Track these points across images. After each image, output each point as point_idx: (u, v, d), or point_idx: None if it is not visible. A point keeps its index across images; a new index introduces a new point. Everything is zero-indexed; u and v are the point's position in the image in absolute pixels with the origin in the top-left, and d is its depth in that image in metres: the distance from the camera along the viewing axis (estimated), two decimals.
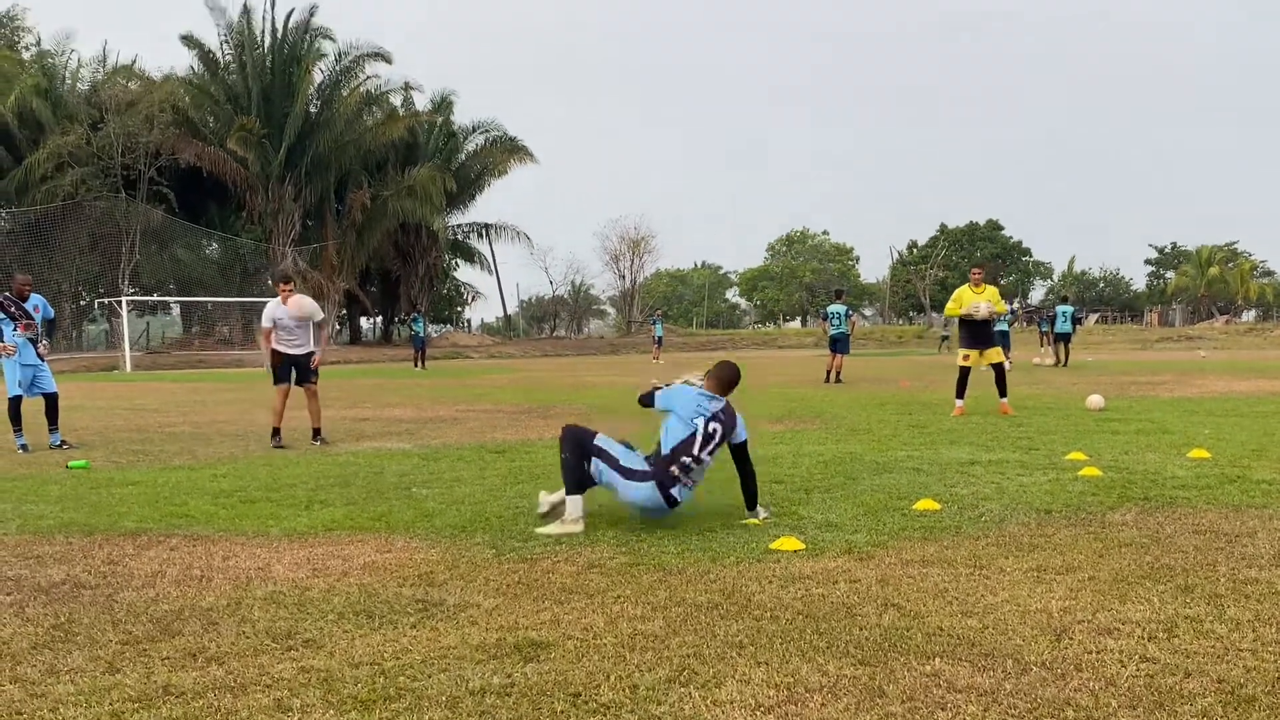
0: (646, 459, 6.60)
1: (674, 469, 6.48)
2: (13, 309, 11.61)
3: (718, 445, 6.60)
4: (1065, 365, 28.90)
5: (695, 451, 6.52)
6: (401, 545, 6.22)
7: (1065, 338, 29.74)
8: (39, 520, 7.24)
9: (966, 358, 14.09)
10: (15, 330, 11.59)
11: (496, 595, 5.06)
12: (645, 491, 6.49)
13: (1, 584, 5.47)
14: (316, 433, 11.97)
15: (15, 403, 11.59)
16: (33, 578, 5.59)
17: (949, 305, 14.54)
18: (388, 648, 4.29)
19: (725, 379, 6.79)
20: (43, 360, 11.85)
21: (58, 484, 8.97)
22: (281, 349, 11.96)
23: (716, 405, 6.66)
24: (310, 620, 4.71)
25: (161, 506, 7.69)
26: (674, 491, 6.50)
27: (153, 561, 5.92)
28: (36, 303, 11.82)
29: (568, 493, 6.57)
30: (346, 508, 7.51)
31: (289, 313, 11.93)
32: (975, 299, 13.99)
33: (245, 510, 7.49)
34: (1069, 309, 30.31)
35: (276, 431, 11.79)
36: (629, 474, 6.51)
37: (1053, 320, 31.17)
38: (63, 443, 11.72)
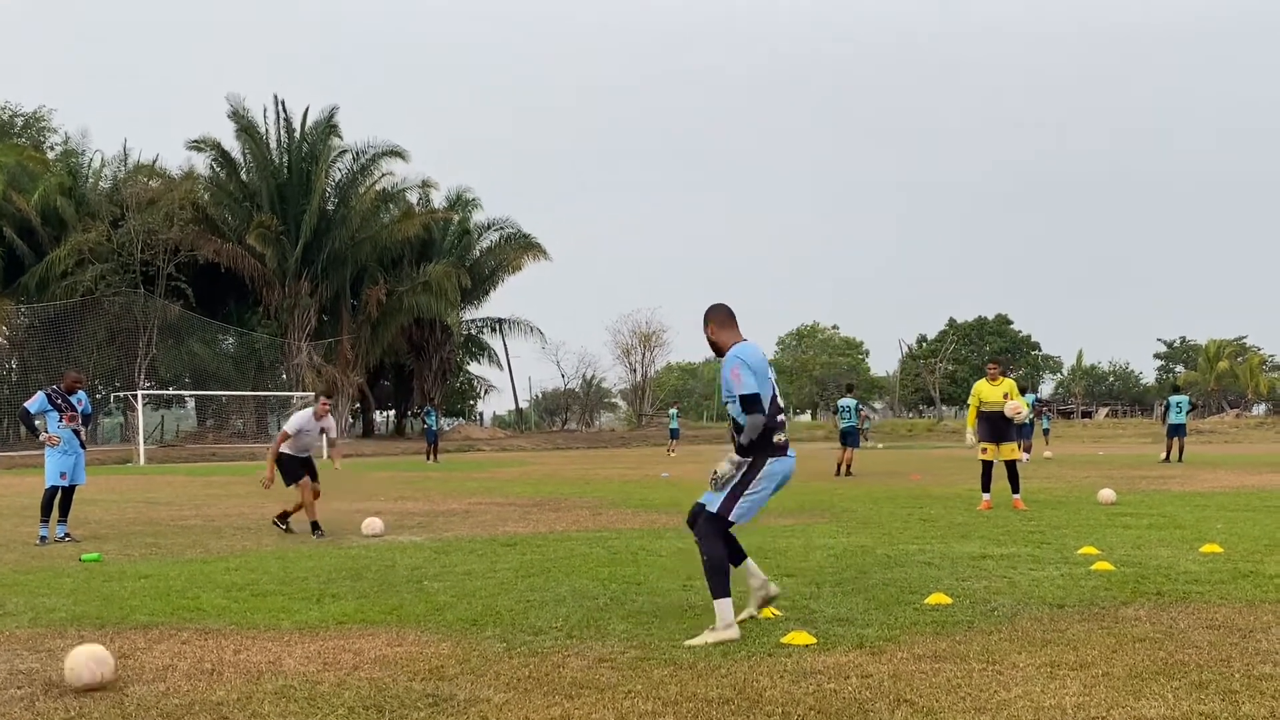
0: (740, 450, 6.13)
1: (775, 427, 6.17)
2: (59, 401, 12.05)
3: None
4: (1180, 460, 25.57)
5: (776, 408, 6.25)
6: (413, 639, 6.22)
7: (1179, 430, 26.07)
8: (51, 613, 7.26)
9: (985, 450, 14.12)
10: (60, 422, 11.98)
11: (507, 690, 5.06)
12: (787, 464, 6.19)
13: (13, 677, 5.49)
14: (285, 515, 12.33)
15: (52, 493, 11.92)
16: (44, 671, 5.60)
17: (970, 400, 14.61)
18: None
19: (731, 320, 6.41)
20: (83, 450, 12.22)
21: (70, 577, 8.99)
22: (293, 453, 12.23)
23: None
24: (320, 715, 4.71)
25: (173, 600, 7.71)
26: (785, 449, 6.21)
27: (164, 655, 5.93)
28: (80, 397, 12.29)
29: (717, 596, 6.05)
30: (358, 601, 7.51)
31: (320, 426, 12.37)
32: (993, 391, 14.10)
33: (257, 603, 7.50)
34: (1184, 399, 26.86)
35: (316, 525, 12.00)
36: (751, 477, 6.09)
37: (1165, 412, 27.42)
38: (67, 535, 11.90)
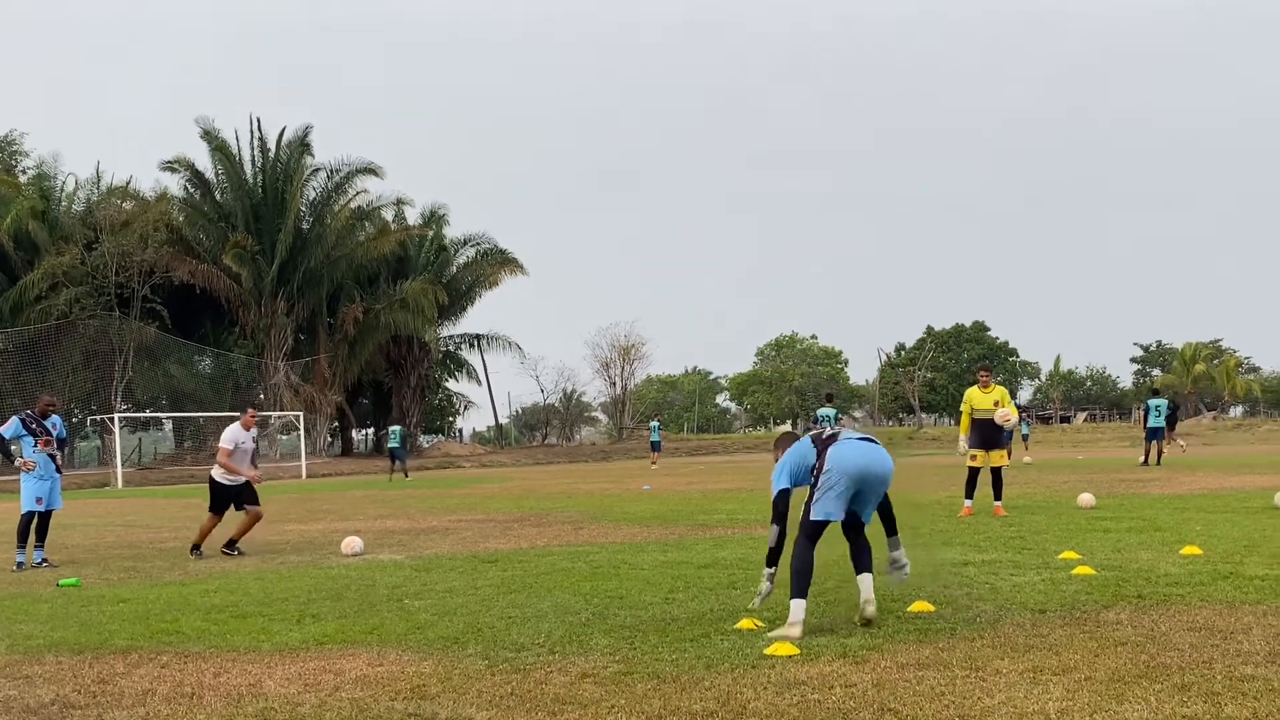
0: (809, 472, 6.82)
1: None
2: (34, 426, 11.97)
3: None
4: (1159, 464, 25.52)
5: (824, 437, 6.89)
6: (394, 658, 6.18)
7: (1158, 434, 26.09)
8: (28, 640, 7.18)
9: (974, 458, 14.18)
10: (36, 446, 11.92)
11: (489, 707, 5.03)
12: (843, 447, 6.76)
13: None
14: (232, 543, 12.32)
15: (28, 519, 11.81)
16: (21, 699, 5.54)
17: (963, 407, 14.63)
18: None
19: (788, 439, 7.20)
20: (59, 474, 12.15)
21: (48, 602, 8.90)
22: (227, 482, 12.30)
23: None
24: None
25: (152, 623, 7.64)
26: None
27: (143, 680, 5.87)
28: (55, 421, 12.20)
29: (792, 596, 6.50)
30: (338, 621, 7.46)
31: (251, 436, 12.48)
32: (985, 398, 14.16)
33: (237, 625, 7.44)
34: (1162, 402, 26.71)
35: (197, 546, 12.27)
36: (818, 480, 6.72)
37: (1145, 414, 27.24)
38: (44, 560, 11.82)
